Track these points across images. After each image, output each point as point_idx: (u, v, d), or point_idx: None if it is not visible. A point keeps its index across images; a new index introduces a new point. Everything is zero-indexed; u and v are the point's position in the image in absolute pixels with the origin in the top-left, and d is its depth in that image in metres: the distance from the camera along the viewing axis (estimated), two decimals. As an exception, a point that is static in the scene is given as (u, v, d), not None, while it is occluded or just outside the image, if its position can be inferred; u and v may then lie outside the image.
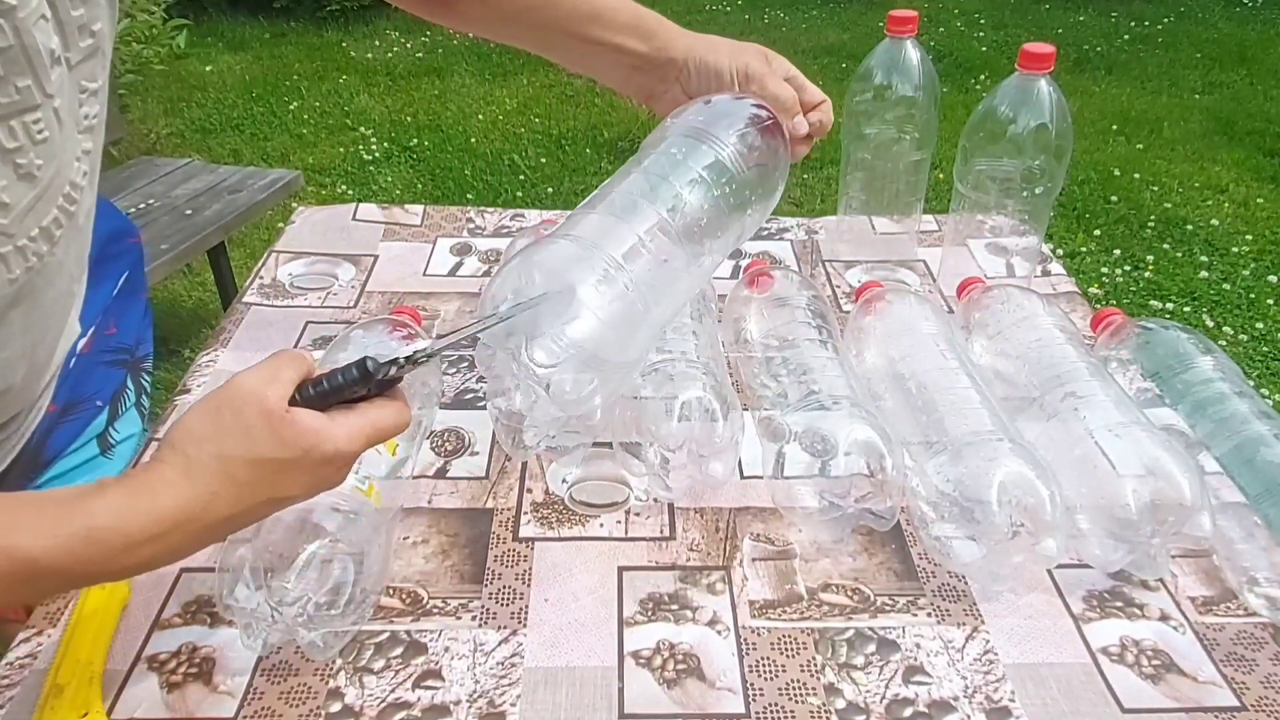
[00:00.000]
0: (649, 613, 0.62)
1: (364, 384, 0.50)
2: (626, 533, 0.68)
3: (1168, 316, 2.55)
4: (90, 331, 0.71)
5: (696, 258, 0.67)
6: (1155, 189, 3.29)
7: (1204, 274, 2.79)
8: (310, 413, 0.48)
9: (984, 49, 4.66)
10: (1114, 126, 3.77)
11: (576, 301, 0.58)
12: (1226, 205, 3.18)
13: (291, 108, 3.99)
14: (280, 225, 1.21)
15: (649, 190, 0.65)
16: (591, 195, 0.67)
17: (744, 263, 1.04)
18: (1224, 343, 2.45)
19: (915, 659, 0.59)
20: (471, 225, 1.11)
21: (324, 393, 0.49)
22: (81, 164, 0.52)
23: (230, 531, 0.50)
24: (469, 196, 3.26)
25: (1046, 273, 1.02)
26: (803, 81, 0.77)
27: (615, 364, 0.60)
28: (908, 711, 0.56)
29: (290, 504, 0.50)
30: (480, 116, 3.93)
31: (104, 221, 0.65)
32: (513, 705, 0.56)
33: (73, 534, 0.44)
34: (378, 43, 4.77)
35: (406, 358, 0.51)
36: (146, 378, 0.81)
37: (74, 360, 0.69)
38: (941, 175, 2.76)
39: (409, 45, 4.74)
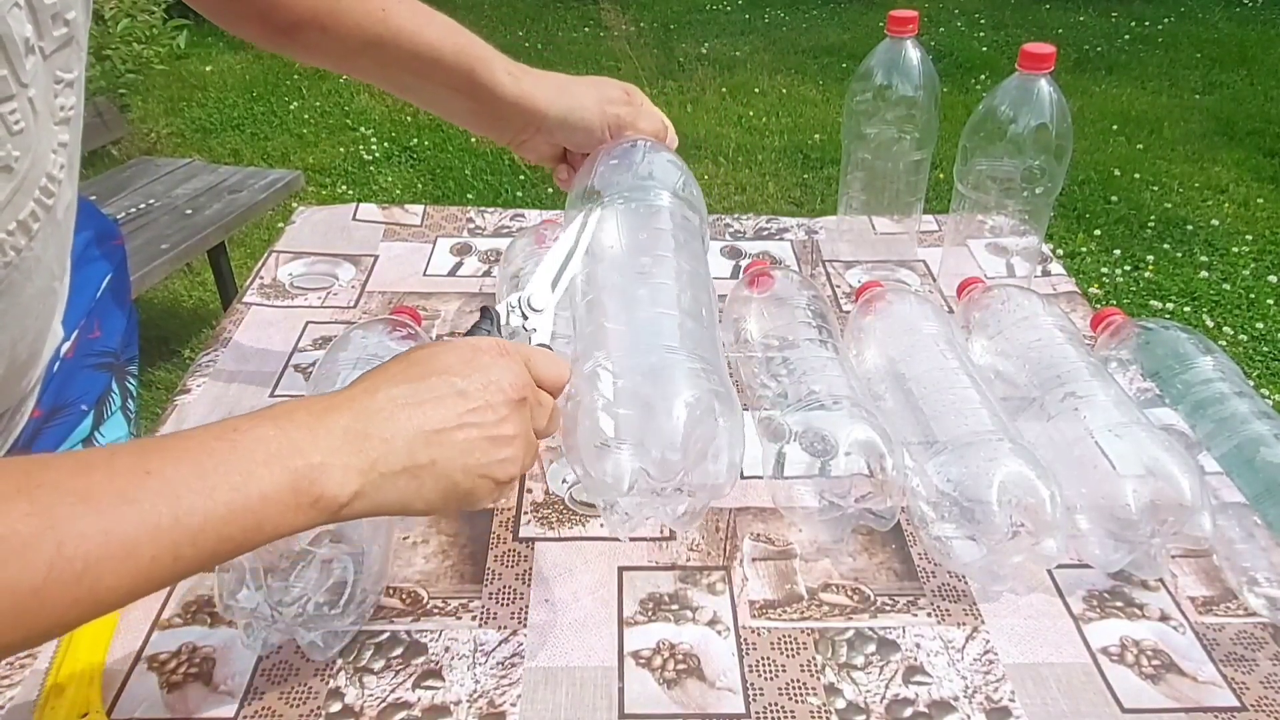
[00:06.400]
0: (649, 613, 0.62)
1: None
2: (626, 533, 0.68)
3: (1168, 316, 2.55)
4: (74, 335, 0.70)
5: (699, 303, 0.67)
6: (1155, 189, 3.29)
7: (1204, 274, 2.79)
8: None
9: (984, 49, 4.66)
10: (1114, 126, 3.77)
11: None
12: (1226, 205, 3.18)
13: (292, 108, 3.99)
14: (280, 225, 1.21)
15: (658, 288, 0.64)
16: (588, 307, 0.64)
17: (744, 263, 1.04)
18: (1224, 343, 2.45)
19: (915, 659, 0.59)
20: (472, 225, 1.11)
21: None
22: (59, 156, 0.51)
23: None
24: (469, 196, 3.27)
25: (1046, 273, 1.02)
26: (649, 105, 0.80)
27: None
28: (908, 711, 0.56)
29: (450, 379, 0.49)
30: (480, 116, 3.92)
31: (87, 224, 0.65)
32: (513, 705, 0.56)
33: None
34: (378, 43, 4.77)
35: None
36: (132, 381, 0.80)
37: (58, 364, 0.68)
38: (941, 175, 2.76)
39: (409, 45, 4.74)
